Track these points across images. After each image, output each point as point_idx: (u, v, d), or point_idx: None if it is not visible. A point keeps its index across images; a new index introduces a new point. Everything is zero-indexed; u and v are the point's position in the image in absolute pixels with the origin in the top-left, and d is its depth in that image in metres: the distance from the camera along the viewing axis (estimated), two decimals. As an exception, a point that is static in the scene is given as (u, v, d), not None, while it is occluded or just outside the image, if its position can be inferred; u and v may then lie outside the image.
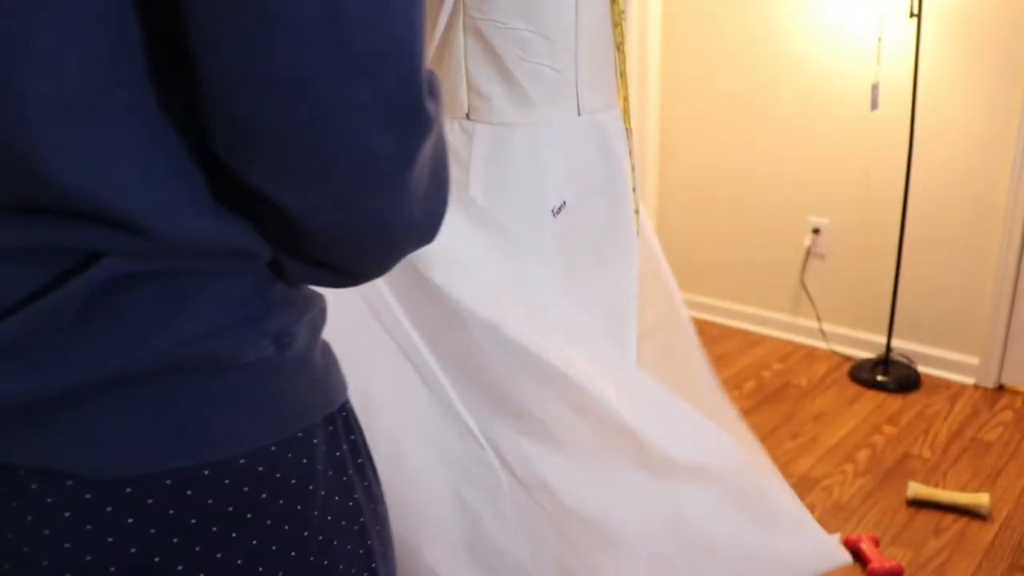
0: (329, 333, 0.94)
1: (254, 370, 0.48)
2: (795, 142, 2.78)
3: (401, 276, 0.90)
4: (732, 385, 2.62)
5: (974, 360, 2.59)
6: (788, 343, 2.92)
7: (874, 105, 2.48)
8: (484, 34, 1.02)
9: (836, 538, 1.15)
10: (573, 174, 1.09)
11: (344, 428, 0.55)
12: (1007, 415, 2.42)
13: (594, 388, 0.96)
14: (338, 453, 0.53)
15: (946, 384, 2.60)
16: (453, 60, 1.05)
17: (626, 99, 1.14)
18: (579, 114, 1.08)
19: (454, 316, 0.90)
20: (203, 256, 0.46)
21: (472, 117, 1.05)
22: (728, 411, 1.29)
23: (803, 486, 2.09)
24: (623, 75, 1.13)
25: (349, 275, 0.53)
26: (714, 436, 1.05)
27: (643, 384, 1.02)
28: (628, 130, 1.15)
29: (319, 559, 0.51)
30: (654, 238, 1.29)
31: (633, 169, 1.16)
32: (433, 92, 0.47)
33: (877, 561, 1.76)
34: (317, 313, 0.55)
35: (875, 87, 2.47)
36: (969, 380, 2.60)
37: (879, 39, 2.48)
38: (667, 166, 3.12)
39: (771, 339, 2.96)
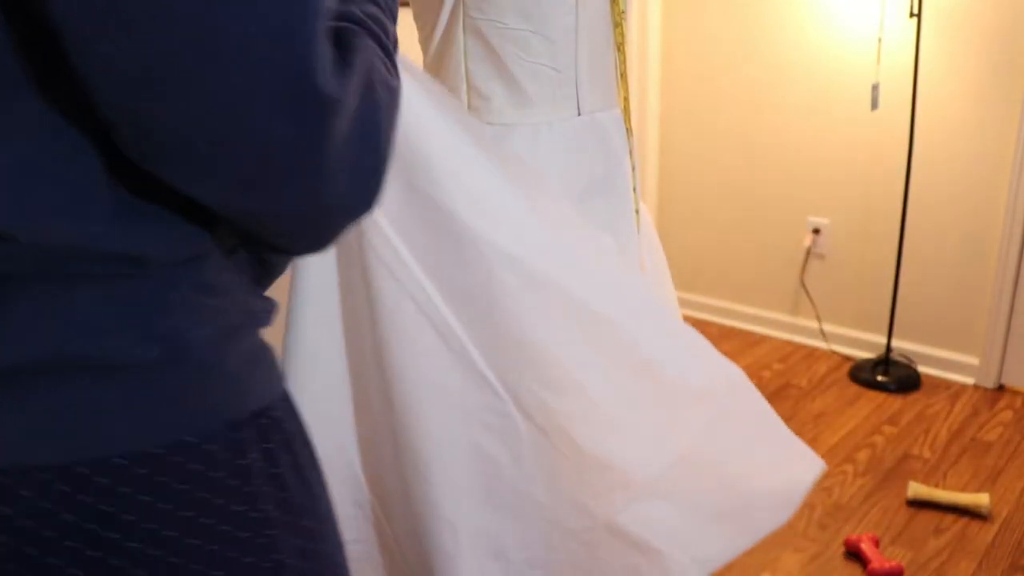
0: (340, 292, 0.93)
1: (137, 372, 0.48)
2: (795, 142, 2.78)
3: (414, 222, 0.88)
4: (732, 385, 2.62)
5: (974, 360, 2.59)
6: (788, 343, 2.92)
7: (874, 105, 2.48)
8: (484, 34, 1.02)
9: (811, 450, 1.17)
10: (573, 174, 1.09)
11: (258, 436, 0.53)
12: (1007, 415, 2.42)
13: (615, 320, 0.95)
14: (243, 462, 0.52)
15: (946, 384, 2.60)
16: (453, 60, 1.05)
17: (626, 99, 1.14)
18: (579, 114, 1.08)
19: (477, 256, 0.89)
20: (84, 260, 0.46)
21: (472, 117, 1.05)
22: None
23: (803, 486, 2.09)
24: (623, 75, 1.13)
25: (285, 252, 0.53)
26: (717, 359, 1.06)
27: (656, 310, 1.02)
28: (628, 130, 1.15)
29: (208, 568, 0.50)
30: (655, 237, 1.29)
31: (633, 169, 1.16)
32: (349, 62, 0.46)
33: (877, 561, 1.76)
34: (242, 319, 0.54)
35: (875, 87, 2.47)
36: (969, 380, 2.60)
37: (879, 39, 2.48)
38: (667, 166, 3.12)
39: (771, 339, 2.96)
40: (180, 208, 0.48)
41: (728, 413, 1.05)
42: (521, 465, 0.95)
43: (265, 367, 0.56)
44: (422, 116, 0.86)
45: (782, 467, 1.12)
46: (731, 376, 1.06)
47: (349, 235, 0.90)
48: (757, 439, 1.09)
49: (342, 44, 0.47)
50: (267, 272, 0.61)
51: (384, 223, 0.88)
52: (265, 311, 0.57)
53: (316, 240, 0.52)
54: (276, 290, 0.93)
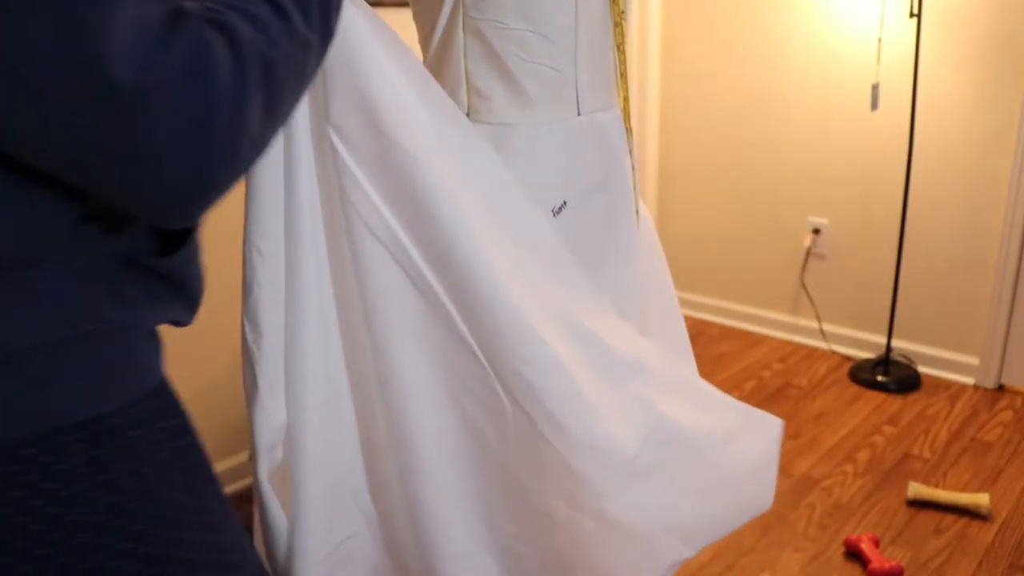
0: (328, 256, 0.92)
1: None
2: (795, 142, 2.78)
3: (394, 181, 0.88)
4: (732, 385, 2.62)
5: (974, 360, 2.59)
6: (788, 343, 2.92)
7: (874, 105, 2.48)
8: (484, 34, 1.02)
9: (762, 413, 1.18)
10: (573, 174, 1.09)
11: (85, 443, 0.55)
12: (1007, 415, 2.42)
13: (571, 293, 0.97)
14: (61, 466, 0.54)
15: (946, 384, 2.60)
16: (453, 60, 1.05)
17: (626, 99, 1.14)
18: (579, 114, 1.08)
19: (453, 216, 0.89)
20: None
21: (472, 117, 1.05)
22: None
23: (803, 486, 2.09)
24: (623, 75, 1.13)
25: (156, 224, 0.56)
26: (633, 332, 1.07)
27: (583, 283, 1.03)
28: (628, 130, 1.15)
29: (19, 563, 0.53)
30: (655, 238, 1.29)
31: (633, 169, 1.16)
32: (167, 47, 0.47)
33: (877, 561, 1.76)
34: (88, 328, 0.55)
35: (875, 87, 2.47)
36: (969, 380, 2.60)
37: (879, 39, 2.48)
38: (667, 166, 3.12)
39: (771, 339, 2.96)
40: (3, 214, 0.50)
41: (668, 385, 1.05)
42: (508, 447, 0.94)
43: (111, 376, 0.57)
44: (395, 80, 0.87)
45: (745, 434, 1.13)
46: (650, 349, 1.06)
47: (334, 197, 0.90)
48: (707, 409, 1.09)
49: (169, 28, 0.48)
50: (177, 286, 0.62)
51: (365, 182, 0.88)
52: (127, 322, 0.58)
53: (174, 217, 0.53)
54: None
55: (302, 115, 0.85)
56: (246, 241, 0.88)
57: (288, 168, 0.87)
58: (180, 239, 0.62)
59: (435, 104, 0.92)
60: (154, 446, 0.59)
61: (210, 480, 0.65)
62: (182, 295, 0.64)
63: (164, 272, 0.61)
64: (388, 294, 0.91)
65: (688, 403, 1.06)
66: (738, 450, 1.10)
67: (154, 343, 0.63)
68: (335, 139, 0.87)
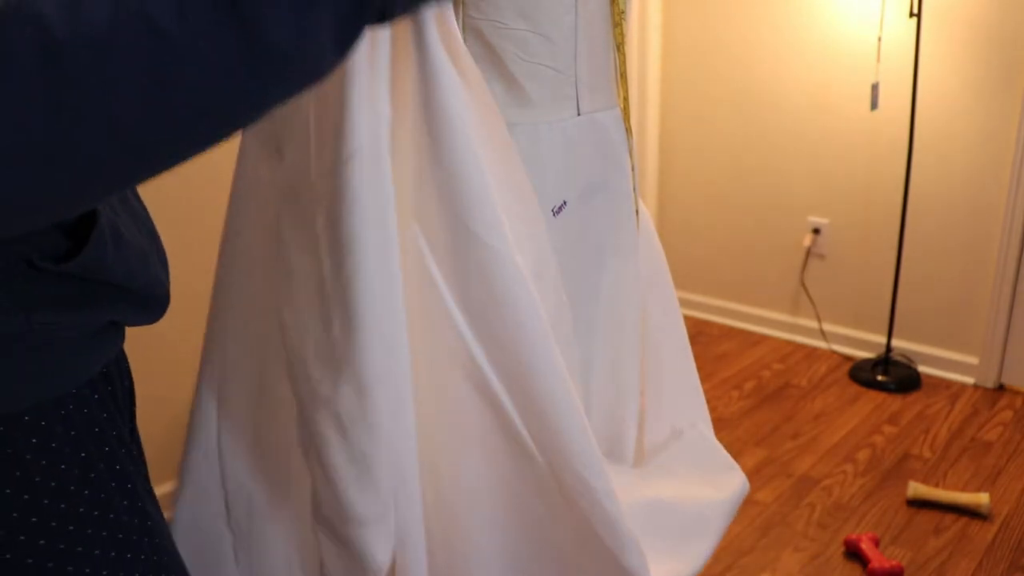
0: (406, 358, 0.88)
1: None
2: (795, 142, 2.78)
3: (486, 308, 0.86)
4: (732, 385, 2.62)
5: (974, 360, 2.59)
6: (788, 343, 2.92)
7: (874, 105, 2.48)
8: (483, 34, 1.02)
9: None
10: (573, 174, 1.09)
11: None
12: (1007, 415, 2.42)
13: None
14: None
15: (946, 384, 2.60)
16: (453, 60, 1.05)
17: (626, 99, 1.14)
18: (579, 114, 1.08)
19: (532, 319, 0.86)
20: None
21: (472, 117, 1.05)
22: (705, 414, 1.29)
23: (803, 486, 2.09)
24: (623, 75, 1.13)
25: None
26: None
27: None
28: (628, 130, 1.15)
29: None
30: (655, 238, 1.29)
31: (633, 169, 1.17)
32: None
33: (877, 561, 1.76)
34: None
35: (875, 87, 2.47)
36: (969, 380, 2.60)
37: (879, 39, 2.48)
38: (667, 166, 3.12)
39: (771, 339, 2.96)
40: None
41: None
42: (567, 536, 0.94)
43: None
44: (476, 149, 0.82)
45: (674, 455, 1.16)
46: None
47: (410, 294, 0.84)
48: (634, 481, 1.13)
49: None
50: (103, 286, 0.59)
51: (443, 285, 0.85)
52: (21, 328, 0.55)
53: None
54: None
55: (389, 205, 0.78)
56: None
57: (383, 261, 0.79)
58: (83, 239, 0.57)
59: (523, 202, 0.88)
60: (23, 465, 0.56)
61: (102, 504, 0.60)
62: (116, 295, 0.60)
63: (74, 274, 0.56)
64: (451, 400, 0.89)
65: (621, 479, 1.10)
66: (679, 471, 1.13)
67: (70, 348, 0.58)
68: (417, 233, 0.83)
